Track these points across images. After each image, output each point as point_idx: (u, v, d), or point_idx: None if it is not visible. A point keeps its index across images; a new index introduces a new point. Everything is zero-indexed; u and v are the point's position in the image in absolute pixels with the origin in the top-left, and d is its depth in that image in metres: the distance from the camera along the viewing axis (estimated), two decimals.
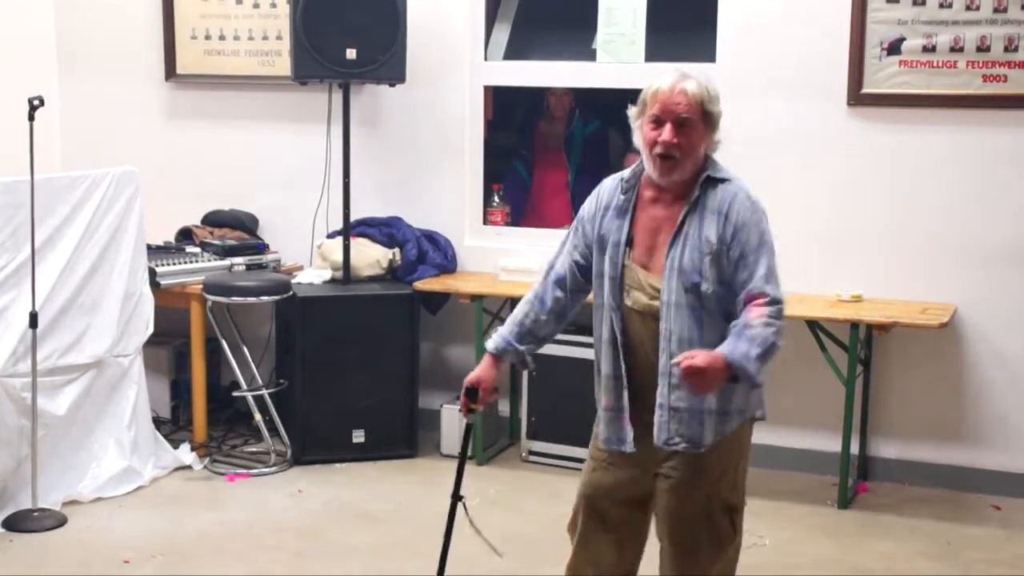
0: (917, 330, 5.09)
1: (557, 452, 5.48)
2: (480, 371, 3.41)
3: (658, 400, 3.20)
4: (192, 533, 4.74)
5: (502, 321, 5.61)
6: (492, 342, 3.43)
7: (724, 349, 3.03)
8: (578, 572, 3.56)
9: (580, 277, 3.38)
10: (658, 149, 3.15)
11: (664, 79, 3.24)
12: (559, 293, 3.40)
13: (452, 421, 5.60)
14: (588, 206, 3.37)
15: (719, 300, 3.15)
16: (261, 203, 6.20)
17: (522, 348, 3.41)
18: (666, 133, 3.15)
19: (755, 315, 3.06)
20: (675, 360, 3.04)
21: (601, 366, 3.34)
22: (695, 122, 3.17)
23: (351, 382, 5.51)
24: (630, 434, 3.28)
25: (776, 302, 3.10)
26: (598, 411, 3.38)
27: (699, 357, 2.98)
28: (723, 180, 3.20)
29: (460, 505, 3.56)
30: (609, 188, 3.35)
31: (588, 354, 5.37)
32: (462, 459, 3.56)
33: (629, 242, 3.25)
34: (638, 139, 3.24)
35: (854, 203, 5.30)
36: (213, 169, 6.27)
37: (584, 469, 3.50)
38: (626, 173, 3.33)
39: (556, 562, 4.31)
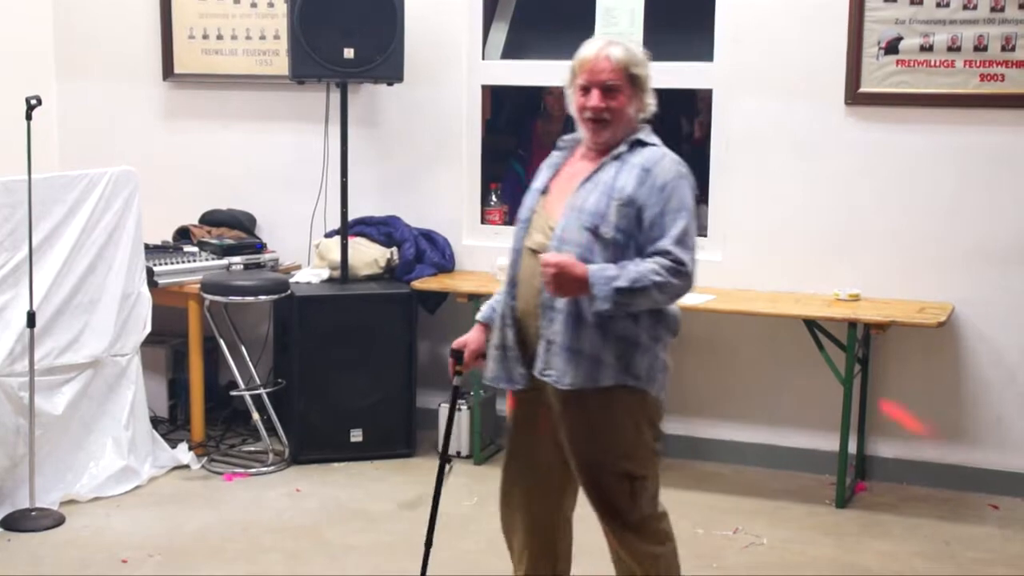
0: (915, 329, 5.10)
1: None
2: (468, 336, 3.55)
3: (542, 332, 3.30)
4: (190, 533, 4.74)
5: None
6: (480, 312, 3.57)
7: (593, 265, 3.17)
8: (507, 521, 3.63)
9: None
10: (587, 114, 3.30)
11: (589, 47, 3.36)
12: None
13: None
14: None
15: (616, 248, 3.22)
16: (259, 202, 6.20)
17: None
18: (593, 99, 3.28)
19: (647, 259, 3.18)
20: (542, 256, 3.18)
21: (499, 306, 3.47)
22: (621, 86, 3.30)
23: (349, 381, 5.51)
24: (516, 371, 3.38)
25: (678, 261, 3.17)
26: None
27: (556, 258, 3.15)
28: (652, 144, 3.34)
29: (447, 467, 3.66)
30: (557, 147, 3.53)
31: None
32: (450, 419, 3.71)
33: (546, 190, 3.40)
34: (570, 106, 3.39)
35: (851, 202, 5.30)
36: (211, 168, 6.27)
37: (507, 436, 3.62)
38: (569, 136, 3.48)
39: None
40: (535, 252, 3.31)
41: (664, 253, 3.18)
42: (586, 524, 4.87)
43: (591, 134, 3.34)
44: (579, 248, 3.23)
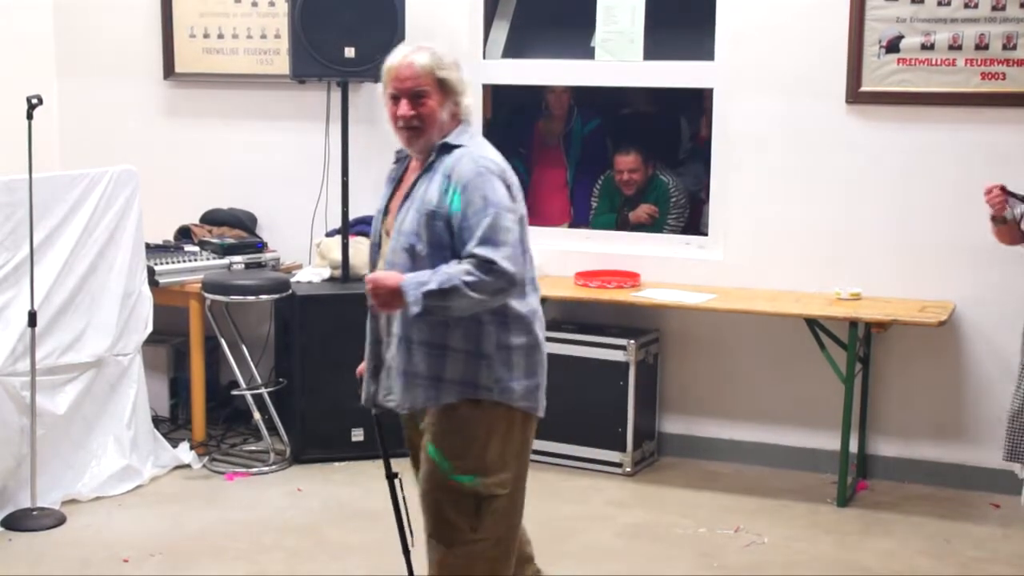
0: (916, 328, 5.10)
1: (556, 450, 5.48)
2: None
3: (386, 362, 3.35)
4: (191, 532, 4.74)
5: None
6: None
7: (408, 274, 3.17)
8: None
9: None
10: (400, 123, 3.28)
11: (395, 54, 3.34)
12: None
13: None
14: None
15: (435, 263, 3.18)
16: (260, 202, 6.20)
17: None
18: (402, 107, 3.26)
19: (459, 262, 3.14)
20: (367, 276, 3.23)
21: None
22: (429, 92, 3.26)
23: (350, 381, 5.46)
24: (365, 392, 3.47)
25: (486, 260, 3.11)
26: None
27: (376, 275, 3.21)
28: (457, 146, 3.26)
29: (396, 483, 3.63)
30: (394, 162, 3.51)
31: (588, 353, 5.42)
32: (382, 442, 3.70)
33: (387, 211, 3.38)
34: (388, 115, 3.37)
35: (852, 201, 5.30)
36: (212, 168, 6.27)
37: None
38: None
39: (554, 561, 4.32)
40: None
41: (471, 257, 3.13)
42: (586, 524, 4.88)
43: (406, 143, 3.32)
44: (404, 270, 3.22)
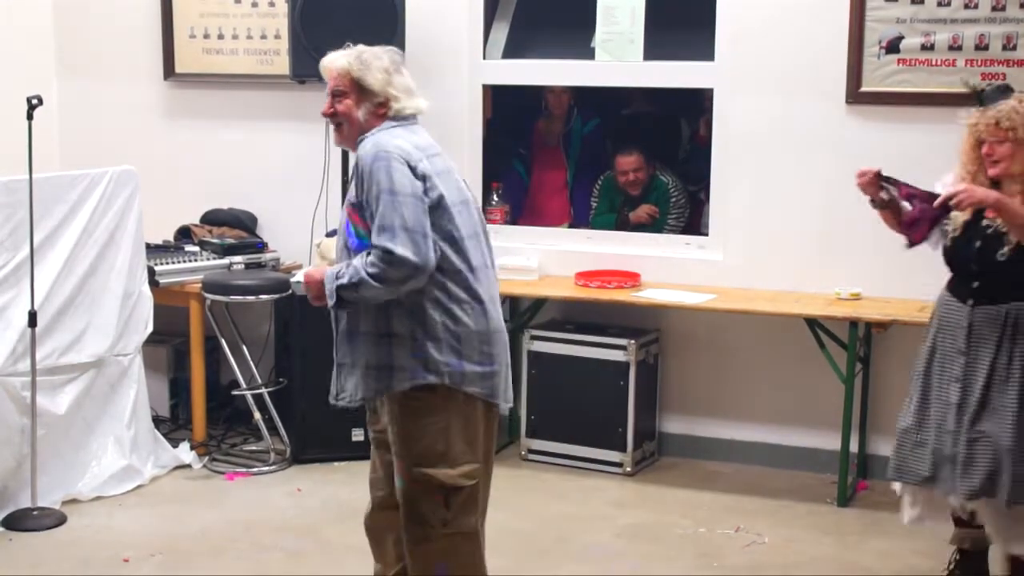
0: (916, 328, 5.07)
1: (556, 450, 5.48)
2: None
3: (339, 358, 3.48)
4: (191, 532, 4.74)
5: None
6: None
7: (329, 268, 3.34)
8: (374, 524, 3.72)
9: None
10: (329, 121, 3.49)
11: (328, 55, 3.51)
12: None
13: None
14: None
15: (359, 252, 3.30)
16: (260, 202, 6.20)
17: None
18: (325, 104, 3.49)
19: (365, 254, 3.25)
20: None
21: None
22: (346, 92, 3.45)
23: None
24: (334, 387, 3.56)
25: (382, 250, 3.19)
26: None
27: (311, 268, 3.33)
28: (362, 139, 3.41)
29: None
30: None
31: (586, 352, 5.42)
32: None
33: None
34: None
35: (852, 201, 5.27)
36: (212, 168, 6.27)
37: None
38: None
39: (555, 560, 4.33)
40: None
41: (372, 249, 3.23)
42: (586, 524, 4.88)
43: (334, 138, 3.55)
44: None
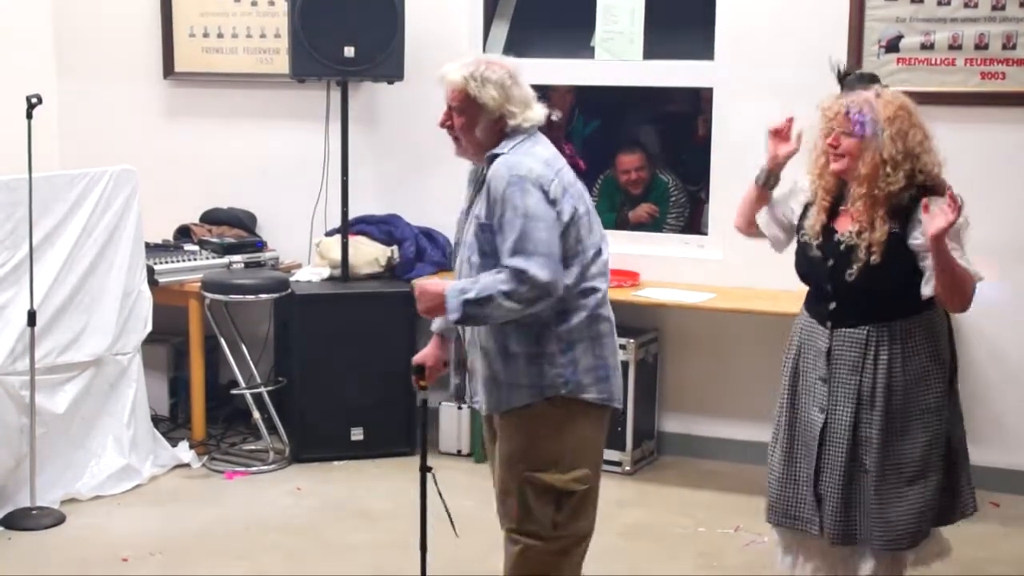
0: None
1: None
2: (426, 350, 3.62)
3: (469, 365, 3.47)
4: (191, 531, 4.74)
5: None
6: (435, 323, 3.61)
7: (452, 281, 3.31)
8: None
9: None
10: (449, 133, 3.41)
11: (445, 66, 3.43)
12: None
13: (451, 419, 5.61)
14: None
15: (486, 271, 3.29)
16: (259, 201, 6.20)
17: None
18: (441, 116, 3.42)
19: (496, 271, 3.22)
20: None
21: None
22: (462, 108, 3.36)
23: (350, 380, 5.51)
24: (466, 391, 3.54)
25: (517, 271, 3.18)
26: None
27: (424, 280, 3.30)
28: (499, 155, 3.32)
29: (430, 477, 3.69)
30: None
31: None
32: (424, 433, 3.78)
33: (467, 214, 3.47)
34: None
35: None
36: (211, 167, 6.27)
37: None
38: None
39: None
40: None
41: (503, 269, 3.22)
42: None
43: (456, 148, 3.47)
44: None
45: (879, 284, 3.34)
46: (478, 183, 3.37)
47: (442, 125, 3.41)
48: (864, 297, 3.37)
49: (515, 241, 3.20)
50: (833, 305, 3.42)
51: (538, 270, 3.18)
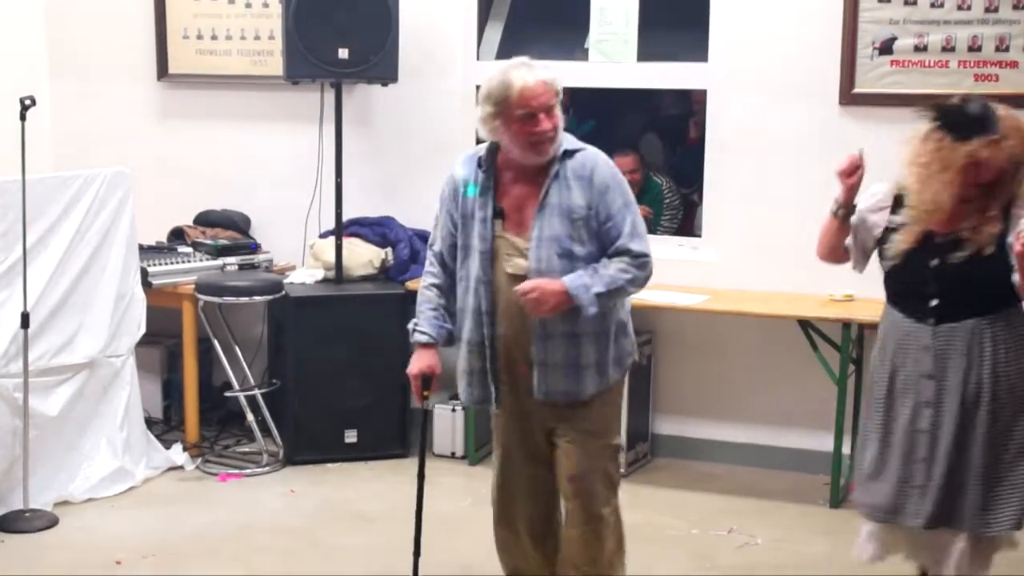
0: None
1: None
2: (425, 360, 3.64)
3: (536, 358, 3.48)
4: (184, 534, 4.73)
5: None
6: (424, 334, 3.63)
7: (566, 277, 3.39)
8: (501, 537, 3.81)
9: (453, 252, 3.62)
10: (536, 138, 3.42)
11: (520, 75, 3.42)
12: (448, 270, 3.63)
13: (445, 421, 5.61)
14: (446, 188, 3.62)
15: (588, 262, 3.45)
16: (253, 203, 6.20)
17: (448, 327, 3.65)
18: (544, 123, 3.41)
19: (611, 261, 3.45)
20: (517, 288, 3.38)
21: (463, 333, 3.58)
22: (555, 104, 3.46)
23: (343, 382, 5.50)
24: (494, 393, 3.58)
25: (638, 255, 3.45)
26: (459, 374, 3.65)
27: (532, 283, 3.37)
28: (579, 150, 3.49)
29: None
30: (464, 169, 3.58)
31: None
32: (423, 444, 3.86)
33: (500, 215, 3.51)
34: (500, 136, 3.45)
35: None
36: (205, 169, 6.26)
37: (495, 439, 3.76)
38: (480, 152, 3.55)
39: None
40: (516, 277, 3.45)
41: (626, 252, 3.44)
42: None
43: (542, 154, 3.45)
44: (559, 274, 3.42)
45: (985, 275, 3.46)
46: (553, 177, 3.44)
47: (549, 130, 3.41)
48: (968, 290, 3.49)
49: (632, 226, 3.45)
50: (935, 302, 3.52)
51: (650, 253, 3.48)
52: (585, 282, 3.38)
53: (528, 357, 3.50)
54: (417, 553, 3.79)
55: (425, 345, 3.63)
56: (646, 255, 3.47)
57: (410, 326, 3.67)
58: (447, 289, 3.63)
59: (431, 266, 3.68)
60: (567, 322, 3.43)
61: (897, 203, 3.64)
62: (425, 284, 3.68)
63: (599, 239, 3.45)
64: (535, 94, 3.39)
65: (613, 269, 3.42)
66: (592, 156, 3.48)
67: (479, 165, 3.54)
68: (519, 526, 3.74)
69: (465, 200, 3.54)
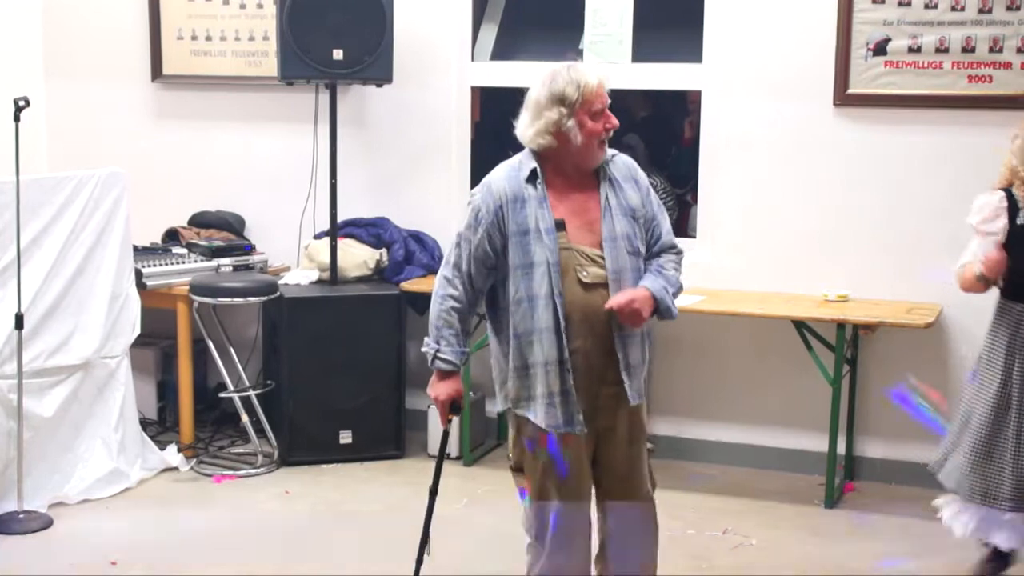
0: (903, 330, 5.11)
1: None
2: (451, 386, 3.58)
3: (622, 362, 3.45)
4: (179, 535, 4.73)
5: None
6: (447, 361, 3.53)
7: (647, 283, 3.43)
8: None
9: (485, 273, 3.48)
10: (606, 135, 3.43)
11: (585, 72, 3.42)
12: (474, 290, 3.51)
13: (439, 422, 5.59)
14: (483, 207, 3.44)
15: (645, 259, 3.52)
16: (248, 204, 6.19)
17: (467, 351, 3.58)
18: (612, 119, 3.43)
19: (665, 260, 3.53)
20: (608, 304, 3.35)
21: (534, 356, 3.42)
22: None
23: (338, 383, 5.50)
24: (580, 414, 3.43)
25: (679, 252, 3.60)
26: (529, 399, 3.47)
27: (627, 295, 3.36)
28: (613, 153, 3.54)
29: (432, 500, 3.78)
30: (505, 184, 3.45)
31: None
32: (440, 460, 3.81)
33: (561, 226, 3.41)
34: (570, 138, 3.39)
35: (840, 203, 5.32)
36: (200, 170, 6.26)
37: (534, 469, 3.55)
38: (517, 165, 3.48)
39: None
40: (591, 287, 3.39)
41: (671, 248, 3.56)
42: None
43: (602, 153, 3.46)
44: (634, 272, 3.45)
45: None
46: (606, 180, 3.46)
47: (616, 127, 3.45)
48: None
49: (668, 224, 3.58)
50: None
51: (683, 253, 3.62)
52: (663, 284, 3.44)
53: (608, 368, 3.44)
54: (420, 561, 3.77)
55: (454, 373, 3.56)
56: (683, 252, 3.61)
57: (429, 350, 3.53)
58: (468, 311, 3.51)
59: (453, 287, 3.48)
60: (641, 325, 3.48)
61: (1010, 200, 3.97)
62: (444, 306, 3.49)
63: (645, 237, 3.53)
64: (601, 91, 3.41)
65: (671, 269, 3.51)
66: (627, 158, 3.57)
67: (530, 178, 3.42)
68: (578, 553, 3.61)
69: (518, 215, 3.39)
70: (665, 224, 3.55)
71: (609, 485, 3.59)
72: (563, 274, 3.37)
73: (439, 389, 3.57)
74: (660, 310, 3.42)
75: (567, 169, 3.45)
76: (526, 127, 3.45)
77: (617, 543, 3.63)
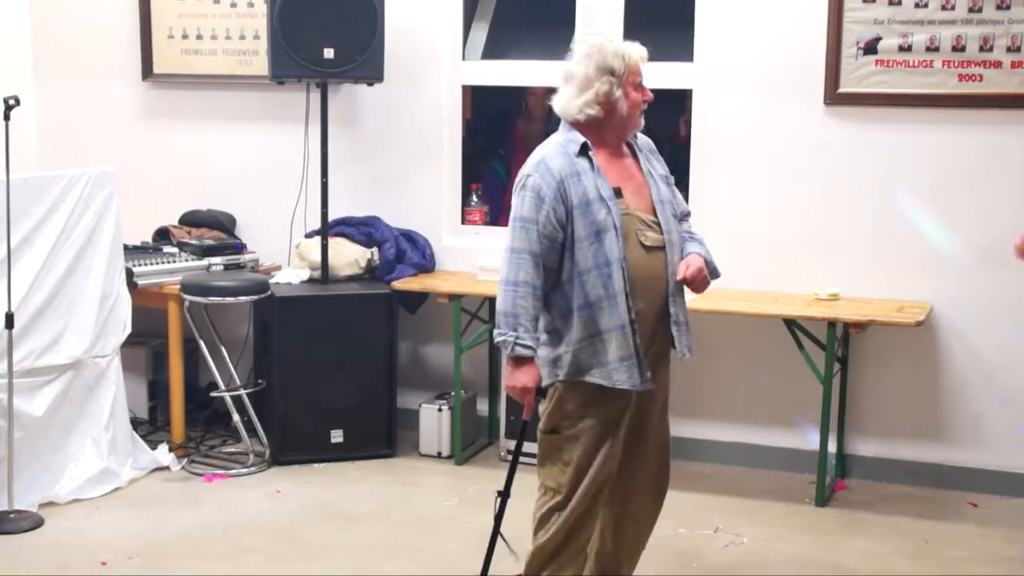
0: (894, 328, 5.12)
1: (536, 451, 5.47)
2: (534, 372, 3.51)
3: (673, 319, 3.62)
4: (170, 534, 4.72)
5: (481, 320, 5.63)
6: (527, 347, 3.47)
7: (695, 249, 3.64)
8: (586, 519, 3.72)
9: (553, 252, 3.50)
10: (645, 105, 3.62)
11: (629, 48, 3.61)
12: (545, 271, 3.50)
13: (430, 421, 5.61)
14: (544, 187, 3.48)
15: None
16: (239, 203, 6.19)
17: (540, 335, 3.58)
18: (648, 92, 3.63)
19: (688, 225, 3.76)
20: (680, 276, 3.55)
21: (606, 321, 3.48)
22: None
23: (329, 382, 5.50)
24: (646, 373, 3.59)
25: (690, 214, 3.83)
26: (603, 364, 3.51)
27: (696, 263, 3.56)
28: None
29: (498, 501, 3.78)
30: (560, 160, 3.51)
31: None
32: (516, 456, 3.75)
33: (619, 193, 3.53)
34: (617, 108, 3.54)
35: (831, 202, 5.32)
36: (190, 169, 6.25)
37: (585, 431, 3.58)
38: (564, 142, 3.55)
39: None
40: (651, 249, 3.53)
41: (687, 214, 3.78)
42: None
43: (641, 122, 3.65)
44: (681, 235, 3.66)
45: None
46: (641, 151, 3.67)
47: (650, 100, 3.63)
48: None
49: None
50: None
51: None
52: (705, 249, 3.66)
53: (656, 329, 3.60)
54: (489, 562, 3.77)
55: (529, 358, 3.49)
56: (691, 213, 3.84)
57: (506, 338, 3.45)
58: (541, 294, 3.49)
59: (524, 271, 3.45)
60: (677, 284, 3.61)
61: None
62: (523, 290, 3.44)
63: None
64: (640, 66, 3.60)
65: (699, 235, 3.72)
66: (642, 135, 3.73)
67: (580, 152, 3.50)
68: (598, 504, 3.69)
69: (578, 187, 3.46)
70: (679, 194, 3.76)
71: (636, 446, 3.69)
72: (626, 239, 3.49)
73: (521, 377, 3.49)
74: (713, 271, 3.64)
75: (609, 140, 3.58)
76: (572, 99, 3.54)
77: (635, 486, 3.75)
